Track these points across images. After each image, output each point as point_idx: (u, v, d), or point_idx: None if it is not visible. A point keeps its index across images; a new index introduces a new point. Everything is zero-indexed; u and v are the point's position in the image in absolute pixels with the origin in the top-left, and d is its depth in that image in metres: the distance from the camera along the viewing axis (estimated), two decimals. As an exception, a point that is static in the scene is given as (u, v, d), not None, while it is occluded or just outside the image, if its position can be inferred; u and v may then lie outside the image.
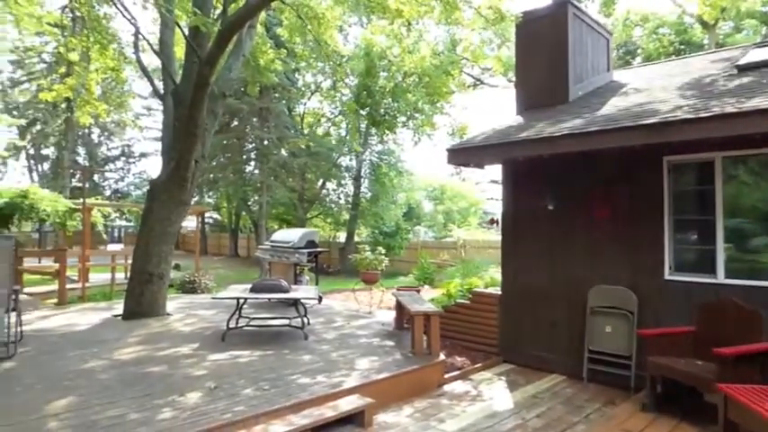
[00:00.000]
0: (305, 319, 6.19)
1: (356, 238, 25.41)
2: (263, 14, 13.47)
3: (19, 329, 5.33)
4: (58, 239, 19.49)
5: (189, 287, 11.00)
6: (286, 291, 6.13)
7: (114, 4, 9.03)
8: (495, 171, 6.64)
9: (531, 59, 6.57)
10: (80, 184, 33.04)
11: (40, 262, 15.54)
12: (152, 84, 9.08)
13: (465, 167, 6.61)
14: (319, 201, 26.75)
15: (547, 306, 5.64)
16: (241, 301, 5.94)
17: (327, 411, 3.73)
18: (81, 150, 33.17)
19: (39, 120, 26.75)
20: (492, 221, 7.21)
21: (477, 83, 20.24)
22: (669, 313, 4.72)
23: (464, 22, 9.85)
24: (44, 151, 31.42)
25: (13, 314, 5.03)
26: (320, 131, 29.20)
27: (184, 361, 4.83)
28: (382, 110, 22.46)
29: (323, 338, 5.97)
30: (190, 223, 29.42)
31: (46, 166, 32.00)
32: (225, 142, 23.93)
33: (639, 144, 4.36)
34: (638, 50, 21.74)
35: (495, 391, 4.92)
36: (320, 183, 26.40)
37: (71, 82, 14.22)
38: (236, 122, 24.45)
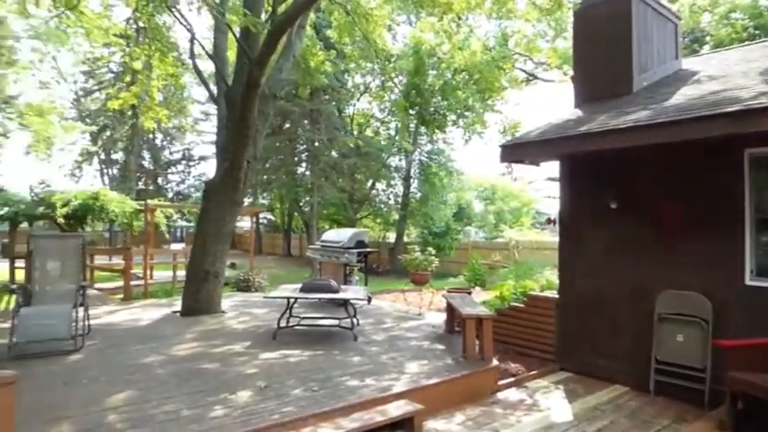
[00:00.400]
0: (354, 320, 6.14)
1: (405, 239, 25.31)
2: (312, 16, 13.65)
3: (87, 323, 5.63)
4: (126, 239, 20.66)
5: (243, 285, 11.29)
6: (335, 291, 6.11)
7: (172, 13, 9.38)
8: (550, 168, 6.33)
9: (590, 48, 6.19)
10: (145, 187, 35.13)
11: (110, 260, 16.51)
12: (207, 88, 9.36)
13: (519, 164, 6.31)
14: (369, 201, 26.85)
15: (608, 311, 5.28)
16: (291, 300, 5.98)
17: (376, 416, 3.64)
18: (146, 154, 35.11)
19: (108, 126, 28.50)
20: (549, 221, 6.87)
21: (530, 78, 19.57)
22: (750, 322, 4.27)
23: (517, 14, 9.50)
24: (113, 156, 33.46)
25: (81, 309, 5.28)
26: (369, 132, 29.32)
27: (237, 359, 4.90)
28: (432, 108, 22.24)
29: (372, 340, 5.89)
30: (245, 224, 30.44)
31: (115, 169, 34.07)
32: (277, 144, 24.57)
33: (717, 135, 3.95)
34: (707, 37, 20.27)
35: (552, 401, 4.65)
36: (370, 183, 26.50)
37: (135, 90, 15.00)
38: (287, 125, 25.03)
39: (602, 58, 6.00)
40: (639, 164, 5.01)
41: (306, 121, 24.37)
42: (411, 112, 22.63)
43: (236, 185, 7.33)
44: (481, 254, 16.49)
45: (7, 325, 4.88)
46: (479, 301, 6.71)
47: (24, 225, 17.14)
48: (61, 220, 15.71)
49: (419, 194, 25.72)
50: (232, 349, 5.27)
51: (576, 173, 5.66)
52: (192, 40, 9.57)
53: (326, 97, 24.08)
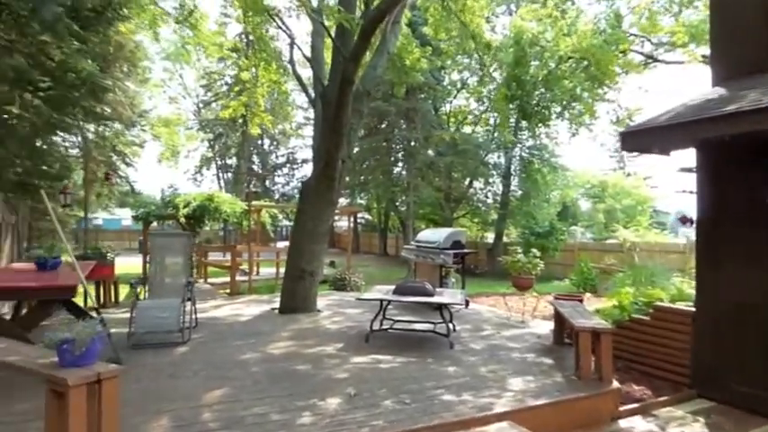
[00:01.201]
0: (450, 325, 5.76)
1: (505, 239, 24.23)
2: (408, 14, 13.46)
3: (195, 317, 5.90)
4: (237, 237, 22.21)
5: (340, 284, 11.40)
6: (430, 294, 5.78)
7: (274, 20, 9.70)
8: (680, 159, 5.39)
9: (734, 15, 5.16)
10: (256, 189, 37.69)
11: (224, 256, 17.75)
12: (305, 90, 9.54)
13: (645, 153, 5.46)
14: (466, 200, 26.17)
15: (765, 329, 4.31)
16: (385, 302, 5.75)
17: (475, 439, 3.23)
18: (255, 159, 37.70)
19: (222, 134, 30.95)
20: (684, 219, 5.84)
21: (649, 61, 17.55)
22: None
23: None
24: (228, 161, 36.38)
25: (189, 303, 5.53)
26: (467, 130, 28.58)
27: (328, 361, 4.77)
28: (534, 101, 20.99)
29: (470, 348, 5.46)
30: (344, 223, 31.32)
31: (229, 173, 37.01)
32: (374, 145, 24.85)
33: None
34: None
35: (690, 435, 3.88)
36: (467, 181, 25.80)
37: (244, 99, 16.02)
38: (384, 125, 25.21)
39: (752, 25, 4.96)
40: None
41: (402, 121, 24.34)
42: (511, 105, 21.62)
43: (331, 185, 7.30)
44: (590, 256, 15.10)
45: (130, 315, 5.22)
46: (592, 310, 5.96)
47: (155, 224, 19.15)
48: (183, 220, 17.27)
49: (520, 192, 24.52)
50: (324, 351, 5.17)
51: (721, 162, 4.72)
52: (291, 45, 9.84)
53: (422, 96, 23.83)
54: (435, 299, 5.69)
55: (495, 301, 10.96)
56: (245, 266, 13.23)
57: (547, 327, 6.79)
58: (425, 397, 3.84)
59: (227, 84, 29.83)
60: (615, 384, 4.32)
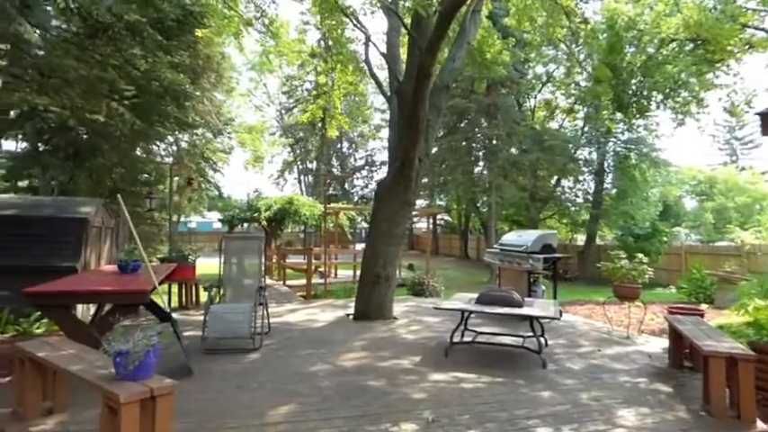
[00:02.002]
0: (542, 340, 5.09)
1: (598, 241, 22.47)
2: (489, 5, 12.77)
3: (267, 322, 5.76)
4: (316, 240, 22.64)
5: (418, 289, 10.96)
6: (518, 305, 5.14)
7: (349, 18, 9.52)
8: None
9: None
10: (335, 192, 38.44)
11: (304, 259, 18.09)
12: (381, 88, 9.23)
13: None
14: (554, 200, 24.68)
15: None
16: (466, 313, 5.21)
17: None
18: (335, 162, 38.47)
19: (302, 138, 31.87)
20: None
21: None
22: None
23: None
24: (308, 164, 37.46)
25: (261, 308, 5.37)
26: (554, 125, 27.05)
27: (404, 377, 4.33)
28: (631, 90, 19.15)
29: (566, 368, 4.76)
30: (423, 224, 30.89)
31: (310, 177, 38.11)
32: (453, 144, 24.12)
33: None
34: None
35: None
36: (554, 180, 24.30)
37: (321, 102, 16.21)
38: (463, 124, 24.41)
39: None
40: None
41: (483, 119, 23.41)
42: (603, 99, 19.97)
43: (408, 185, 6.89)
44: (701, 261, 13.33)
45: (203, 319, 5.17)
46: (713, 325, 4.99)
47: (245, 226, 20.02)
48: (264, 223, 17.84)
49: (614, 190, 22.65)
50: (400, 364, 4.74)
51: None
52: (366, 44, 9.59)
53: (504, 91, 22.75)
54: (524, 311, 5.05)
55: (590, 311, 9.95)
56: (322, 268, 13.28)
57: (658, 344, 5.86)
58: (516, 429, 3.27)
59: (306, 90, 30.69)
60: (761, 426, 3.45)
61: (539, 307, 5.35)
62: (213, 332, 4.79)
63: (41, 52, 6.84)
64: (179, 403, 3.50)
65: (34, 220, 8.55)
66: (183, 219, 33.67)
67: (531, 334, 5.12)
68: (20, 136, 11.43)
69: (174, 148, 19.06)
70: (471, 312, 5.26)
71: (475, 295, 5.63)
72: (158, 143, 16.38)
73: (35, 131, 9.01)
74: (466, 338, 5.46)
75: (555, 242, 7.76)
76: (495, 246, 8.17)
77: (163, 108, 6.80)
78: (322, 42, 23.52)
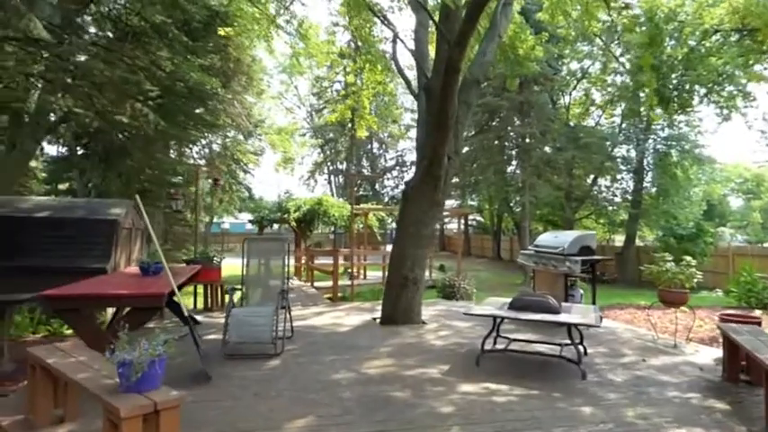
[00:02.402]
0: (581, 348, 4.72)
1: (638, 242, 21.54)
2: (521, 1, 12.36)
3: (290, 326, 5.60)
4: (346, 241, 22.55)
5: (448, 291, 10.64)
6: (555, 311, 4.79)
7: (376, 15, 9.32)
8: None
9: None
10: (365, 193, 38.37)
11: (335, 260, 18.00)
12: (408, 85, 8.98)
13: None
14: (590, 199, 23.85)
15: None
16: (498, 319, 4.90)
17: None
18: (365, 162, 38.41)
19: (332, 139, 31.92)
20: None
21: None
22: None
23: None
24: (339, 165, 37.52)
25: (284, 312, 5.20)
26: (590, 123, 26.18)
27: (431, 389, 4.06)
28: (671, 84, 18.25)
29: (608, 381, 4.38)
30: (455, 225, 30.41)
31: (340, 177, 38.16)
32: (485, 143, 23.59)
33: None
34: None
35: None
36: (590, 178, 23.47)
37: (350, 102, 16.12)
38: (495, 123, 23.84)
39: None
40: None
41: (515, 117, 22.80)
42: (642, 94, 19.15)
43: (436, 184, 6.61)
44: (751, 263, 12.47)
45: (224, 322, 5.04)
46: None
47: (275, 227, 20.15)
48: (293, 224, 17.84)
49: (654, 189, 21.70)
50: (427, 373, 4.47)
51: None
52: (394, 40, 9.37)
53: (537, 88, 22.07)
54: (562, 317, 4.69)
55: (632, 316, 9.42)
56: (352, 269, 13.13)
57: (709, 354, 5.39)
58: (554, 452, 2.96)
59: (336, 90, 30.74)
60: (840, 455, 3.02)
61: (577, 313, 4.98)
62: (234, 336, 4.65)
63: (81, 57, 6.99)
64: (193, 412, 3.37)
65: (66, 221, 8.70)
66: (215, 220, 34.36)
67: (568, 342, 4.77)
68: (60, 141, 11.79)
69: (207, 150, 19.33)
70: (504, 318, 4.95)
71: (508, 299, 5.32)
72: (190, 145, 16.64)
73: (73, 135, 9.24)
74: (498, 345, 5.15)
75: (594, 243, 7.32)
76: (530, 247, 7.78)
77: (188, 109, 6.78)
78: (351, 43, 23.51)
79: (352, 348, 5.31)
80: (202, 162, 19.25)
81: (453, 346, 5.49)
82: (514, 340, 5.37)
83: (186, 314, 4.01)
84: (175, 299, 3.98)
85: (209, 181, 20.90)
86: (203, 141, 17.54)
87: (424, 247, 6.81)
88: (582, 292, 7.44)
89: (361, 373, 4.44)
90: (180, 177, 8.03)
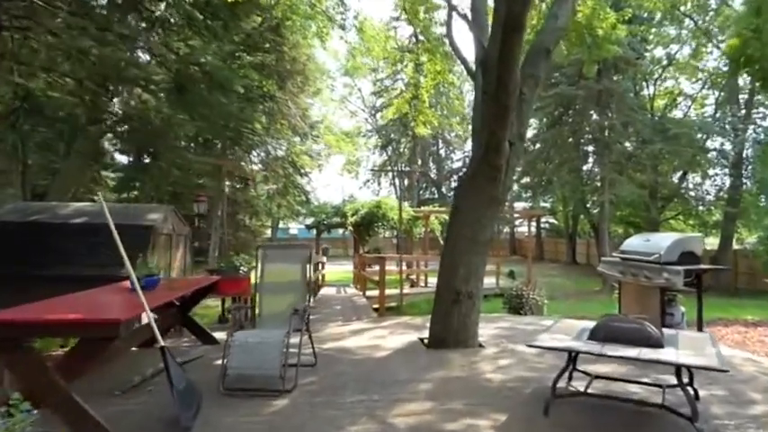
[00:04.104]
0: (690, 392, 3.38)
1: (735, 245, 18.84)
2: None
3: (313, 351, 4.64)
4: (408, 245, 21.55)
5: (515, 303, 9.30)
6: (656, 344, 3.46)
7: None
8: None
9: None
10: (431, 195, 37.19)
11: (397, 266, 17.05)
12: (465, 64, 7.82)
13: None
14: (678, 197, 21.29)
15: None
16: (574, 353, 3.66)
17: None
18: (431, 164, 37.34)
19: (393, 140, 31.14)
20: None
21: None
22: None
23: None
24: (404, 167, 36.66)
25: (301, 335, 4.25)
26: (677, 115, 23.58)
27: (479, 453, 2.94)
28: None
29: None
30: (526, 228, 28.47)
31: (405, 180, 37.27)
32: (558, 140, 21.64)
33: None
34: None
35: None
36: (677, 175, 20.95)
37: (407, 95, 15.25)
38: (569, 114, 21.80)
39: None
40: None
41: (592, 112, 20.69)
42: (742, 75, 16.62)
43: (495, 176, 5.40)
44: None
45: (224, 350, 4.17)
46: None
47: (329, 232, 19.62)
48: (350, 228, 17.14)
49: (756, 186, 18.92)
50: (476, 426, 3.33)
51: None
52: (449, 13, 8.30)
53: (616, 77, 19.83)
54: (669, 355, 3.36)
55: (742, 337, 7.66)
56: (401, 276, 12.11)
57: None
58: None
59: (394, 89, 29.99)
60: None
61: (689, 346, 3.60)
62: (233, 368, 3.76)
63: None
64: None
65: (101, 227, 8.44)
66: (281, 225, 34.71)
67: (674, 382, 3.43)
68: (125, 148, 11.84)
69: (264, 154, 19.18)
70: (582, 353, 3.69)
71: (587, 324, 4.04)
72: (244, 149, 16.46)
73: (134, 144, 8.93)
74: (575, 383, 3.90)
75: (700, 249, 5.77)
76: (614, 254, 6.32)
77: (211, 99, 6.15)
78: (413, 38, 22.58)
79: (384, 384, 4.23)
80: (259, 167, 19.13)
81: (515, 383, 4.27)
82: (597, 377, 4.08)
83: (162, 344, 3.18)
84: (145, 320, 3.17)
85: (269, 186, 20.87)
86: (258, 145, 17.32)
87: (481, 253, 5.62)
88: (684, 310, 5.89)
89: (388, 423, 3.37)
90: (203, 179, 7.52)
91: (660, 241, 5.82)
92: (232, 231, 20.52)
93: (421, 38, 12.45)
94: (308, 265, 4.54)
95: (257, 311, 4.46)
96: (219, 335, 5.53)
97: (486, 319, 7.24)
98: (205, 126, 6.96)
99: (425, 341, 5.74)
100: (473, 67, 6.87)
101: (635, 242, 6.18)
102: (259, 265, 4.62)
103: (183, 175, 6.52)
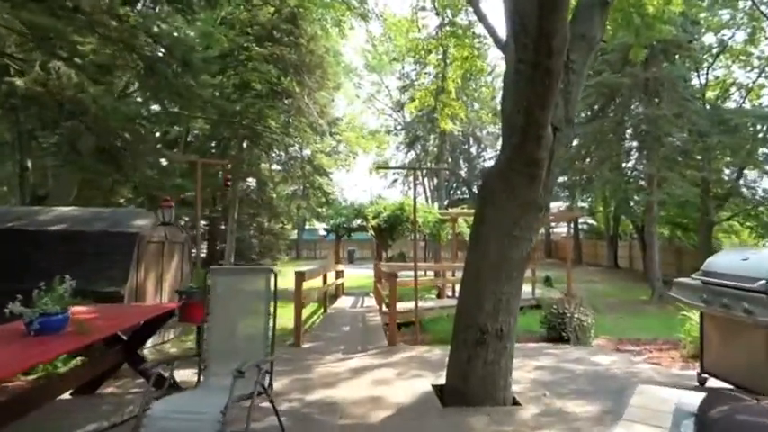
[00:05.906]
0: None
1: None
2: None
3: (275, 421, 3.32)
4: (437, 251, 20.13)
5: (556, 324, 7.76)
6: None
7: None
8: None
9: None
10: (462, 196, 35.51)
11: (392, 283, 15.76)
12: (493, 35, 6.40)
13: None
14: (736, 196, 19.13)
15: None
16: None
17: None
18: (463, 164, 35.70)
19: (419, 137, 29.71)
20: None
21: None
22: None
23: None
24: (431, 165, 35.21)
25: (257, 399, 2.95)
26: (730, 106, 21.42)
27: None
28: None
29: None
30: (562, 229, 26.49)
31: (435, 180, 35.78)
32: (598, 135, 19.69)
33: None
34: None
35: None
36: (735, 171, 18.83)
37: (431, 87, 13.96)
38: (612, 106, 19.83)
39: None
40: None
41: (637, 102, 18.69)
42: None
43: (534, 173, 3.95)
44: None
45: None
46: None
47: (348, 237, 18.43)
48: (372, 232, 15.83)
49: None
50: None
51: None
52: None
53: (665, 64, 17.77)
54: None
55: None
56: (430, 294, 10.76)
57: None
58: None
59: (421, 83, 28.61)
60: None
61: None
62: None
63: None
64: None
65: (82, 235, 7.43)
66: (307, 227, 33.75)
67: None
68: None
69: (283, 154, 18.17)
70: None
71: (683, 400, 2.61)
72: (263, 150, 15.47)
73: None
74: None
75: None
76: (694, 276, 4.77)
77: (179, 83, 5.03)
78: (438, 30, 21.17)
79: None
80: (278, 168, 18.13)
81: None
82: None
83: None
84: None
85: (290, 189, 19.88)
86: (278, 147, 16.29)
87: (514, 278, 4.16)
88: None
89: None
90: (179, 179, 6.55)
91: (762, 260, 4.28)
92: (257, 234, 19.62)
93: (446, 19, 11.26)
94: (270, 301, 3.25)
95: (203, 363, 3.21)
96: (186, 373, 4.32)
97: (522, 351, 5.81)
98: (177, 117, 6.04)
99: (439, 390, 4.36)
100: (503, 37, 5.44)
101: (726, 260, 4.62)
102: (210, 296, 3.38)
103: (152, 175, 5.60)
